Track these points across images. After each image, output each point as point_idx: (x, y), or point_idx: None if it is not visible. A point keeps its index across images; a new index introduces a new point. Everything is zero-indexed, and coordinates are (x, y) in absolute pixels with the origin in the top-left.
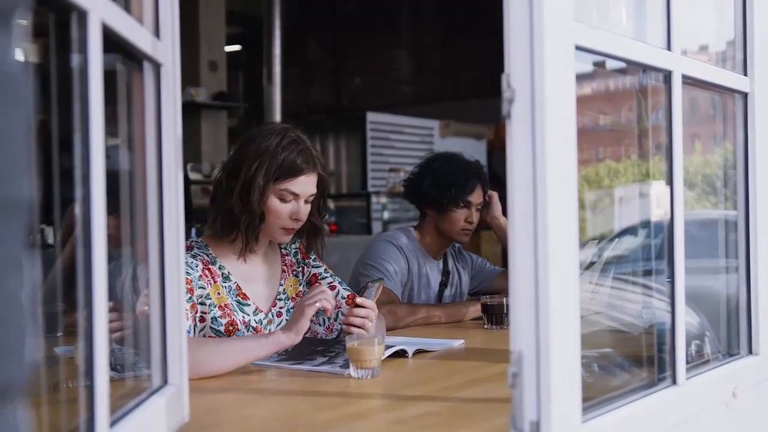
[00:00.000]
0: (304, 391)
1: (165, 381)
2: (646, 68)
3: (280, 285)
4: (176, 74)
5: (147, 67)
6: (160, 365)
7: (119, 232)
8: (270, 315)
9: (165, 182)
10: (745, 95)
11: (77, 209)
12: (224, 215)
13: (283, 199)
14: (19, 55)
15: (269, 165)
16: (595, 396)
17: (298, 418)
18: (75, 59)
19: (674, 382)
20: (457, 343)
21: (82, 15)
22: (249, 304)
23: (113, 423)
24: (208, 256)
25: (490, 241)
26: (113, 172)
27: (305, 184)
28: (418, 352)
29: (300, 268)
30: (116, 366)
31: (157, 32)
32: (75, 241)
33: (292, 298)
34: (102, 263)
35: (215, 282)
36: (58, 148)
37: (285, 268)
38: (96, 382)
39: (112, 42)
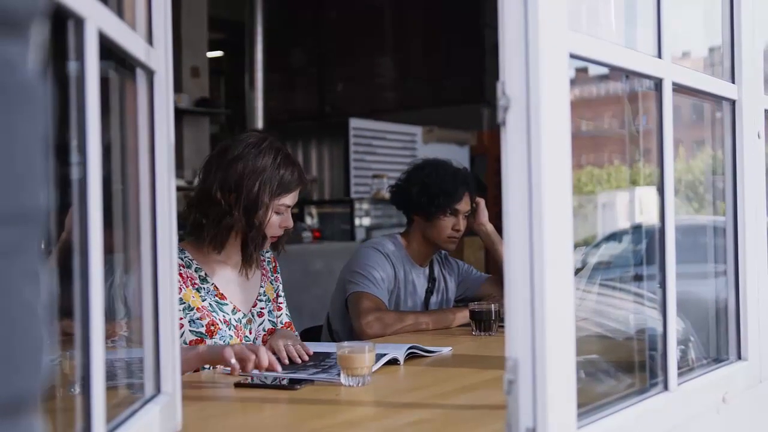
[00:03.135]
0: (295, 400)
1: (158, 390)
2: (637, 76)
3: (261, 287)
4: (169, 81)
5: (140, 74)
6: (153, 374)
7: (111, 239)
8: (250, 315)
9: (158, 189)
10: (732, 102)
11: (75, 216)
12: (225, 231)
13: (278, 213)
14: (36, 64)
15: (271, 184)
16: (589, 402)
17: (290, 427)
18: (71, 66)
19: (666, 387)
20: (446, 350)
21: (79, 22)
22: (227, 304)
23: None
24: (182, 259)
25: (473, 247)
26: (105, 179)
27: (296, 196)
28: (410, 356)
29: (274, 277)
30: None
31: (150, 39)
32: (62, 246)
33: (272, 300)
34: (98, 271)
35: (188, 287)
36: (53, 156)
37: (264, 271)
38: (92, 391)
39: (107, 49)
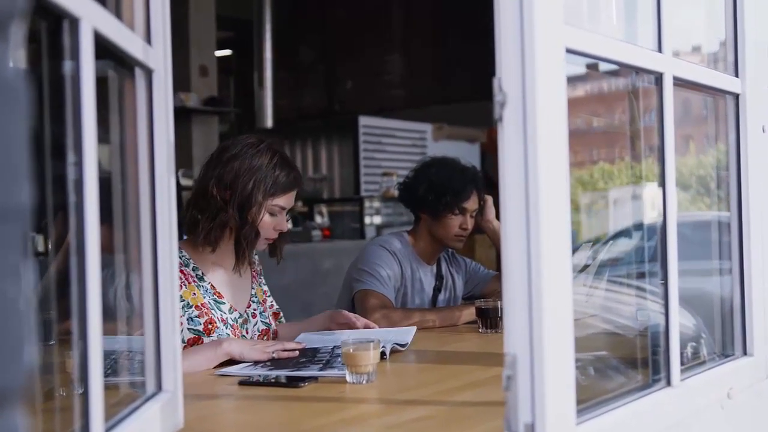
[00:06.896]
0: (299, 397)
1: (159, 388)
2: (637, 70)
3: (252, 288)
4: (168, 80)
5: (138, 73)
6: (154, 372)
7: (111, 240)
8: (245, 315)
9: (158, 189)
10: (736, 96)
11: (71, 217)
12: (219, 227)
13: (272, 214)
14: (17, 63)
15: (265, 183)
16: (590, 398)
17: (293, 424)
18: (67, 66)
19: (669, 383)
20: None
21: (74, 22)
22: (224, 303)
23: (108, 430)
24: (180, 258)
25: (484, 245)
26: (105, 179)
27: (292, 199)
28: (392, 351)
29: (261, 279)
30: (107, 372)
31: (148, 38)
32: (67, 248)
33: (262, 302)
34: (95, 270)
35: (189, 283)
36: (49, 156)
37: (254, 274)
38: (91, 389)
39: (104, 48)
